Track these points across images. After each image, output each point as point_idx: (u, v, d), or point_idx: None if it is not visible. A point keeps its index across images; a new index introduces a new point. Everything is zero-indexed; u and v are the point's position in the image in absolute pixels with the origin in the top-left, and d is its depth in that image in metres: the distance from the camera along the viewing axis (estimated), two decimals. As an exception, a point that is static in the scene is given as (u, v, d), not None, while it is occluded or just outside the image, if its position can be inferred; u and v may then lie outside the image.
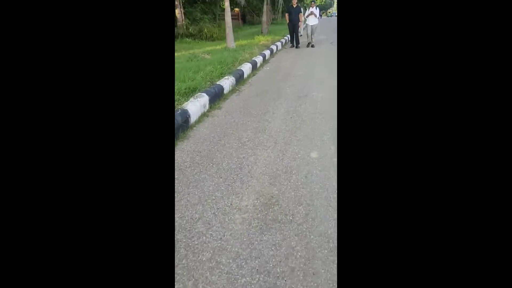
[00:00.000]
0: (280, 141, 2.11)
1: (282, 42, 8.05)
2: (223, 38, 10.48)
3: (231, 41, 6.45)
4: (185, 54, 5.41)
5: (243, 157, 1.90)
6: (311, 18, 7.26)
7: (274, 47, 7.04)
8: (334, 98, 3.04)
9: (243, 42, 7.87)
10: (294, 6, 7.09)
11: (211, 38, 10.37)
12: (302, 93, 3.35)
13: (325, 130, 2.27)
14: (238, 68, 4.17)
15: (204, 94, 2.81)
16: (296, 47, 7.34)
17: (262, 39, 8.21)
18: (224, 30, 11.38)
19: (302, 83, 3.83)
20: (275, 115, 2.66)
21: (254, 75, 4.47)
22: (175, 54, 5.69)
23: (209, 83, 3.34)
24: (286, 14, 7.26)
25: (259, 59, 5.20)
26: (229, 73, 3.85)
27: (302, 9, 7.31)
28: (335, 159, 1.81)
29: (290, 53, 6.63)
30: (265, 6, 10.64)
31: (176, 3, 10.53)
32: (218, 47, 6.80)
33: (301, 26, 7.33)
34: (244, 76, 4.14)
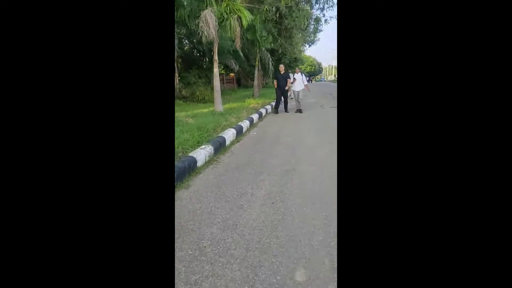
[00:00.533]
0: (253, 247, 1.51)
1: (272, 106, 8.03)
2: (211, 100, 10.63)
3: (219, 104, 6.29)
4: (167, 118, 5.11)
5: (194, 280, 1.27)
6: (297, 84, 7.29)
7: (263, 110, 6.90)
8: (327, 174, 2.54)
9: (234, 104, 7.81)
10: (282, 72, 7.18)
11: (203, 100, 10.46)
12: (290, 165, 2.87)
13: (316, 226, 1.70)
14: (220, 134, 3.78)
15: (168, 171, 2.29)
16: (285, 111, 7.25)
17: (253, 102, 8.21)
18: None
19: (290, 152, 3.39)
20: (253, 199, 2.11)
21: (238, 141, 4.07)
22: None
23: (180, 154, 2.87)
24: (275, 80, 7.31)
25: (245, 124, 4.89)
26: (208, 141, 3.43)
27: (290, 74, 7.41)
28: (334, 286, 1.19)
29: (279, 117, 6.45)
30: (256, 72, 11.12)
31: (171, 68, 10.97)
32: (206, 110, 6.63)
33: (290, 91, 7.39)
34: (227, 143, 3.72)
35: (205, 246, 1.52)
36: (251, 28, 10.19)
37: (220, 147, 3.50)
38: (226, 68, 16.35)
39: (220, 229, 1.71)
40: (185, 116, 5.32)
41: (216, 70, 6.17)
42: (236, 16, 5.60)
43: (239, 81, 19.36)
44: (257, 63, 10.97)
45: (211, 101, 10.68)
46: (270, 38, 9.80)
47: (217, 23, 5.43)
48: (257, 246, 1.52)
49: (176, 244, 1.53)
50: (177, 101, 9.51)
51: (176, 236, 1.61)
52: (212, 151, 3.19)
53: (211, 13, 5.02)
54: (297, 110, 7.11)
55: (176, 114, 5.98)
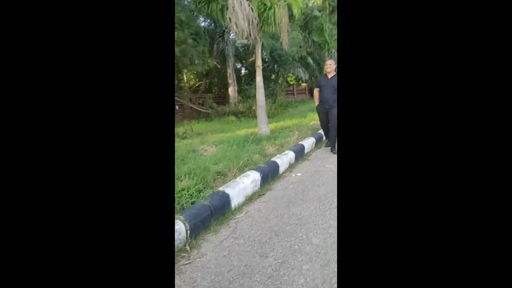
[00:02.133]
0: None
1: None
2: (274, 115, 9.13)
3: (263, 124, 4.72)
4: (183, 146, 3.81)
5: None
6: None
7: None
8: None
9: (290, 122, 6.14)
10: (329, 75, 3.69)
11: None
12: None
13: None
14: (223, 189, 2.14)
15: None
16: (332, 148, 3.75)
17: (316, 118, 6.37)
18: (280, 106, 10.15)
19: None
20: None
21: (261, 195, 2.38)
22: (180, 142, 4.22)
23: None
24: (315, 90, 3.97)
25: (287, 158, 3.14)
26: (205, 197, 1.90)
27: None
28: None
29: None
30: (326, 79, 9.12)
31: (230, 81, 10.18)
32: (250, 130, 5.15)
33: None
34: (232, 205, 2.09)
35: None
36: (317, 28, 8.44)
37: (223, 207, 1.90)
38: (296, 78, 14.92)
39: None
40: (211, 142, 3.95)
41: (258, 79, 4.64)
42: (283, 2, 3.98)
43: (312, 91, 17.46)
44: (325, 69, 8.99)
45: (269, 116, 9.29)
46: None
47: (256, 14, 3.92)
48: None
49: None
50: (230, 118, 8.41)
51: None
52: (184, 237, 1.60)
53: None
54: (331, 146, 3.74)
55: (208, 137, 4.71)
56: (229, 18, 3.60)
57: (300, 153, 3.53)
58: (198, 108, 9.38)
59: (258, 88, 4.73)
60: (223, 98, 11.22)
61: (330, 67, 3.72)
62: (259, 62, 4.55)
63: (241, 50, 11.60)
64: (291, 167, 3.21)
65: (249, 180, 2.34)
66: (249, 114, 9.11)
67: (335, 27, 8.00)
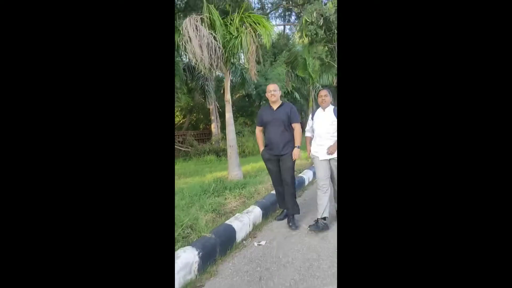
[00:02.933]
0: None
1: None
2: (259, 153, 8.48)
3: (234, 168, 4.00)
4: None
5: None
6: (323, 139, 2.34)
7: (310, 174, 4.26)
8: None
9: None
10: (274, 106, 2.46)
11: (242, 154, 8.47)
12: None
13: None
14: None
15: None
16: (289, 220, 2.44)
17: (304, 156, 5.72)
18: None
19: None
20: None
21: (200, 285, 1.58)
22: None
23: None
24: (258, 130, 2.64)
25: (248, 219, 2.37)
26: None
27: (294, 109, 2.48)
28: None
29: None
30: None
31: (212, 117, 9.71)
32: (222, 173, 4.42)
33: (297, 157, 2.39)
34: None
35: None
36: (300, 63, 8.19)
37: None
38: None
39: None
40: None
41: (228, 115, 4.04)
42: (250, 30, 3.51)
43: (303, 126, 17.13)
44: (311, 104, 8.59)
45: (254, 154, 8.64)
46: (317, 64, 7.41)
47: (220, 44, 3.42)
48: None
49: None
50: (209, 157, 7.70)
51: None
52: None
53: (196, 22, 3.04)
54: (318, 221, 2.26)
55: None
56: (184, 46, 3.06)
57: (271, 207, 2.77)
58: (177, 147, 8.73)
59: (228, 126, 4.10)
60: (208, 135, 10.68)
61: (274, 93, 2.43)
62: (228, 97, 3.98)
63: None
64: (256, 228, 2.42)
65: (179, 265, 1.54)
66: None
67: (316, 59, 7.75)
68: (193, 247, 1.73)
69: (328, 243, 2.04)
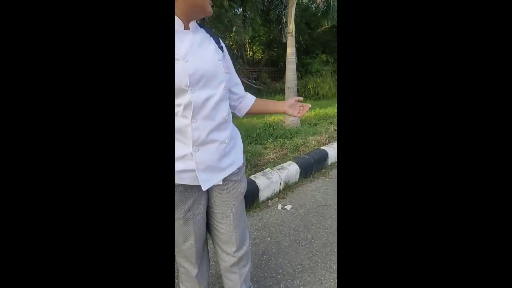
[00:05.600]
0: None
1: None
2: (328, 96, 7.59)
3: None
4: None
5: None
6: None
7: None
8: None
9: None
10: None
11: (315, 96, 7.73)
12: None
13: None
14: None
15: None
16: None
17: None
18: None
19: None
20: None
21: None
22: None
23: None
24: None
25: (277, 177, 2.06)
26: None
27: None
28: None
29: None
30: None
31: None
32: (278, 118, 4.07)
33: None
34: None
35: None
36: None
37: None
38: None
39: None
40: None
41: (289, 50, 3.43)
42: None
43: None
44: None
45: (329, 96, 7.74)
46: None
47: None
48: None
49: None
50: (279, 97, 7.30)
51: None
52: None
53: None
54: None
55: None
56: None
57: (312, 166, 2.35)
58: (249, 83, 8.56)
59: (288, 64, 3.53)
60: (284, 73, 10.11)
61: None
62: (291, 27, 3.30)
63: (310, 15, 9.90)
64: (289, 188, 2.11)
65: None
66: (303, 94, 7.82)
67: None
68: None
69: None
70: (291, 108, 0.91)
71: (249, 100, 0.93)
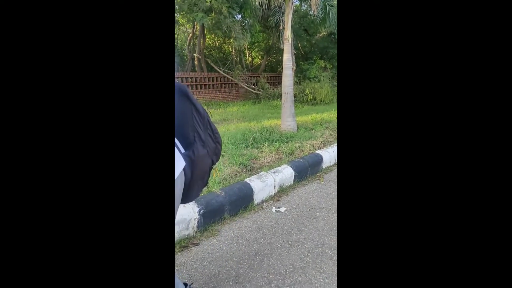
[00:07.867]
0: None
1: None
2: (324, 102, 7.67)
3: (288, 118, 3.62)
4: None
5: None
6: None
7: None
8: None
9: (334, 114, 4.79)
10: None
11: (313, 101, 7.80)
12: None
13: None
14: None
15: None
16: None
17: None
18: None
19: None
20: None
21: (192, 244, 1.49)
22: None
23: None
24: None
25: (271, 180, 2.10)
26: None
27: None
28: None
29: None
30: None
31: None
32: (275, 122, 4.12)
33: None
34: None
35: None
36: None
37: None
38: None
39: None
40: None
41: (286, 56, 3.50)
42: None
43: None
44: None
45: (326, 102, 7.81)
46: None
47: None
48: None
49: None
50: (276, 102, 7.37)
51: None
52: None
53: None
54: None
55: (223, 126, 3.91)
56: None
57: (307, 169, 2.40)
58: (248, 88, 8.63)
59: (284, 69, 3.60)
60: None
61: None
62: (287, 34, 3.38)
63: (309, 21, 10.03)
64: (283, 191, 2.15)
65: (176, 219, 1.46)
66: (301, 99, 7.90)
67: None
68: (195, 203, 1.61)
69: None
70: None
71: None
